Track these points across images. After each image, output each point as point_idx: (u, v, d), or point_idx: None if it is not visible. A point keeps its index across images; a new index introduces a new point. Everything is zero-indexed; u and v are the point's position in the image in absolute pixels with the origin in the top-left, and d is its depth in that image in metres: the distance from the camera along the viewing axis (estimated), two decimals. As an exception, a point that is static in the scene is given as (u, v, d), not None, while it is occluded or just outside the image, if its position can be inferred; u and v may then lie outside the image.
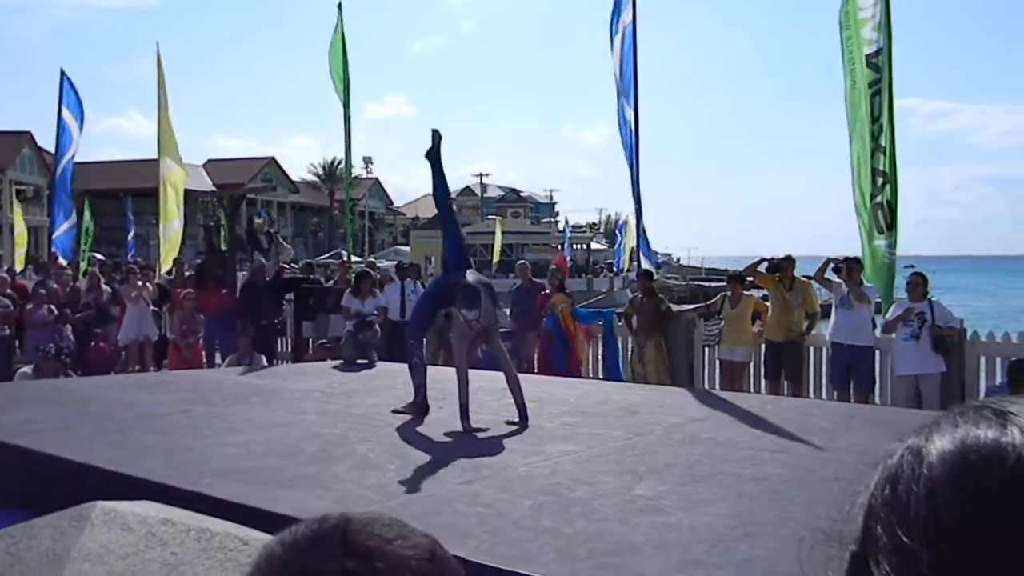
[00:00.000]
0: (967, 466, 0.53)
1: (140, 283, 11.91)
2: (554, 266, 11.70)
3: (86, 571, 2.37)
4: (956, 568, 0.50)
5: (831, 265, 8.88)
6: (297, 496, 3.94)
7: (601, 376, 10.34)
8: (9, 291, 11.67)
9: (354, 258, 13.16)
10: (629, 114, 10.43)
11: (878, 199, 8.25)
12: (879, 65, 8.18)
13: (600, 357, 10.71)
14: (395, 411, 6.18)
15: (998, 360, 8.23)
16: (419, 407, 6.10)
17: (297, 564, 0.69)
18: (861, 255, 8.58)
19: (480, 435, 5.47)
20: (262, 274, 11.79)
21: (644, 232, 10.99)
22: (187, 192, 15.53)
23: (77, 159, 16.46)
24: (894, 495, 0.55)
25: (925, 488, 0.53)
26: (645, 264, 10.80)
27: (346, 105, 12.82)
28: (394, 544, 0.69)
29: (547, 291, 10.72)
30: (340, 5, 12.73)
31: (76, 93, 15.79)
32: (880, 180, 8.17)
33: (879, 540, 0.54)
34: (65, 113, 15.63)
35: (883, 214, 8.25)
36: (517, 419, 5.80)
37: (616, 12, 10.59)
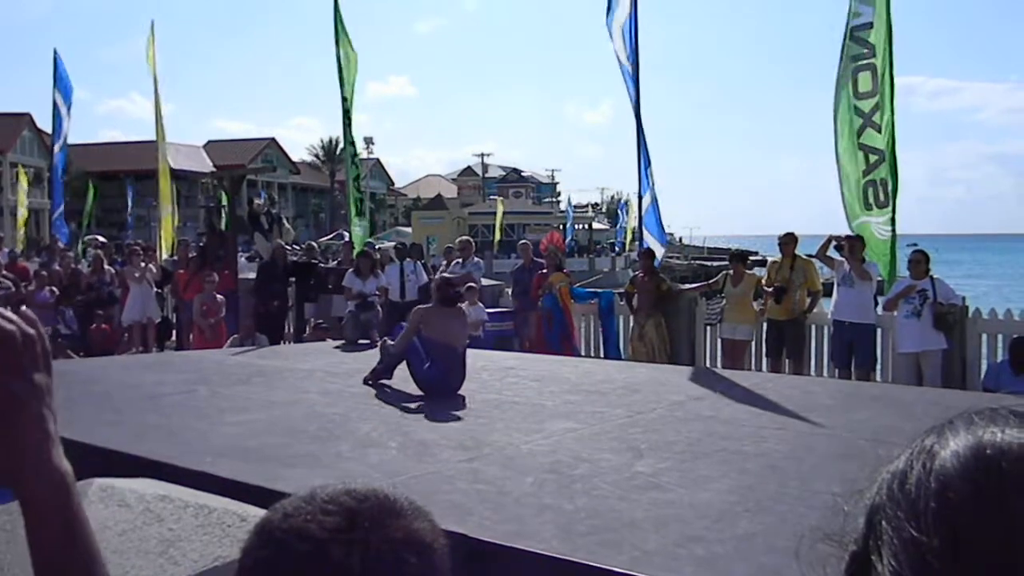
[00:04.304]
0: (981, 460, 0.52)
1: (143, 264, 11.91)
2: (547, 244, 11.55)
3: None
4: (967, 559, 0.50)
5: (833, 243, 8.85)
6: (299, 474, 3.95)
7: (600, 355, 10.35)
8: (6, 272, 11.67)
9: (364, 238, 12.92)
10: (631, 91, 10.33)
11: (870, 176, 8.19)
12: (865, 39, 8.09)
13: (600, 337, 10.70)
14: (365, 381, 6.38)
15: (1000, 337, 8.22)
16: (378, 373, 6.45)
17: (291, 529, 0.70)
18: (848, 231, 8.56)
19: (482, 414, 5.48)
20: (282, 255, 11.78)
21: (656, 207, 10.62)
22: (187, 173, 15.51)
23: (78, 140, 16.43)
24: (902, 492, 0.54)
25: (937, 483, 0.52)
26: (651, 242, 10.56)
27: (343, 84, 12.68)
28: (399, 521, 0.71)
29: (544, 270, 10.68)
30: None
31: (66, 74, 15.67)
32: (874, 157, 8.11)
33: (884, 536, 0.53)
34: (57, 96, 15.54)
35: (875, 191, 8.19)
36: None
37: None
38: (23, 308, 0.79)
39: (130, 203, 28.96)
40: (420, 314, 6.35)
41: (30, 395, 0.71)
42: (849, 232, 8.65)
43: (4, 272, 11.19)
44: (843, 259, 8.62)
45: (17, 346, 0.71)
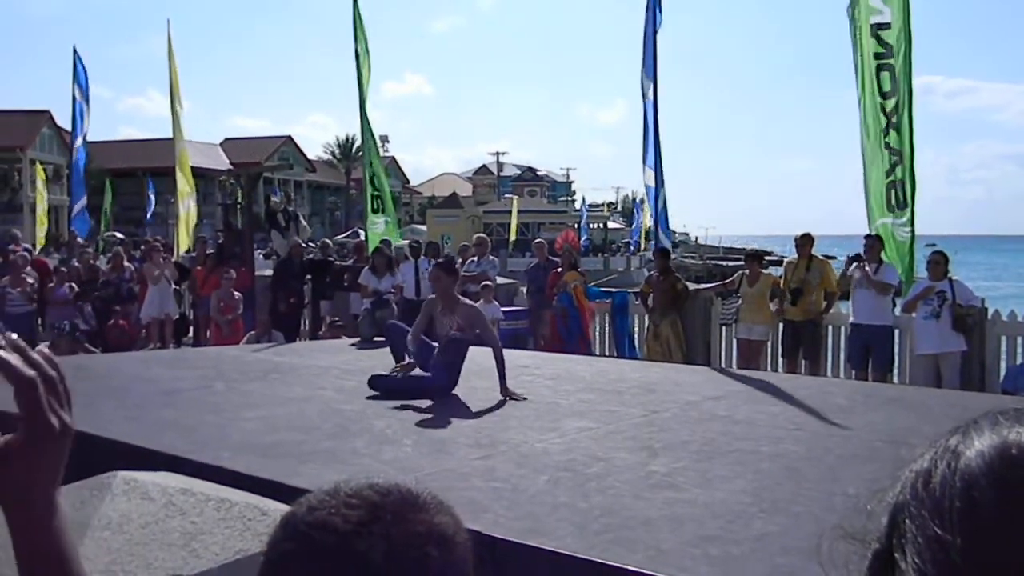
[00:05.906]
0: (1007, 460, 0.53)
1: (163, 260, 12.01)
2: (562, 242, 11.54)
3: (107, 539, 2.42)
4: (991, 557, 0.50)
5: (853, 264, 8.70)
6: (315, 470, 3.97)
7: (614, 355, 10.34)
8: (29, 269, 11.79)
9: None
10: (649, 90, 10.33)
11: (891, 177, 8.14)
12: (886, 40, 8.03)
13: (612, 336, 10.69)
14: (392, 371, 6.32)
15: (1019, 340, 8.15)
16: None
17: (313, 521, 0.71)
18: (869, 232, 8.50)
19: (496, 412, 5.49)
20: (299, 252, 11.83)
21: (665, 208, 10.74)
22: (204, 171, 15.60)
23: (96, 137, 16.56)
24: (926, 490, 0.54)
25: (962, 482, 0.53)
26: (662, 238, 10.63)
27: (360, 81, 12.70)
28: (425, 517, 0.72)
29: (559, 269, 10.68)
30: None
31: (84, 70, 15.82)
32: (894, 158, 8.06)
33: (907, 534, 0.54)
34: (76, 92, 15.68)
35: (896, 193, 8.14)
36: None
37: None
38: (40, 347, 0.81)
39: (153, 200, 29.15)
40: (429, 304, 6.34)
41: (51, 434, 0.72)
42: (867, 235, 8.60)
43: (28, 270, 11.30)
44: (862, 263, 8.56)
45: (41, 386, 0.72)
